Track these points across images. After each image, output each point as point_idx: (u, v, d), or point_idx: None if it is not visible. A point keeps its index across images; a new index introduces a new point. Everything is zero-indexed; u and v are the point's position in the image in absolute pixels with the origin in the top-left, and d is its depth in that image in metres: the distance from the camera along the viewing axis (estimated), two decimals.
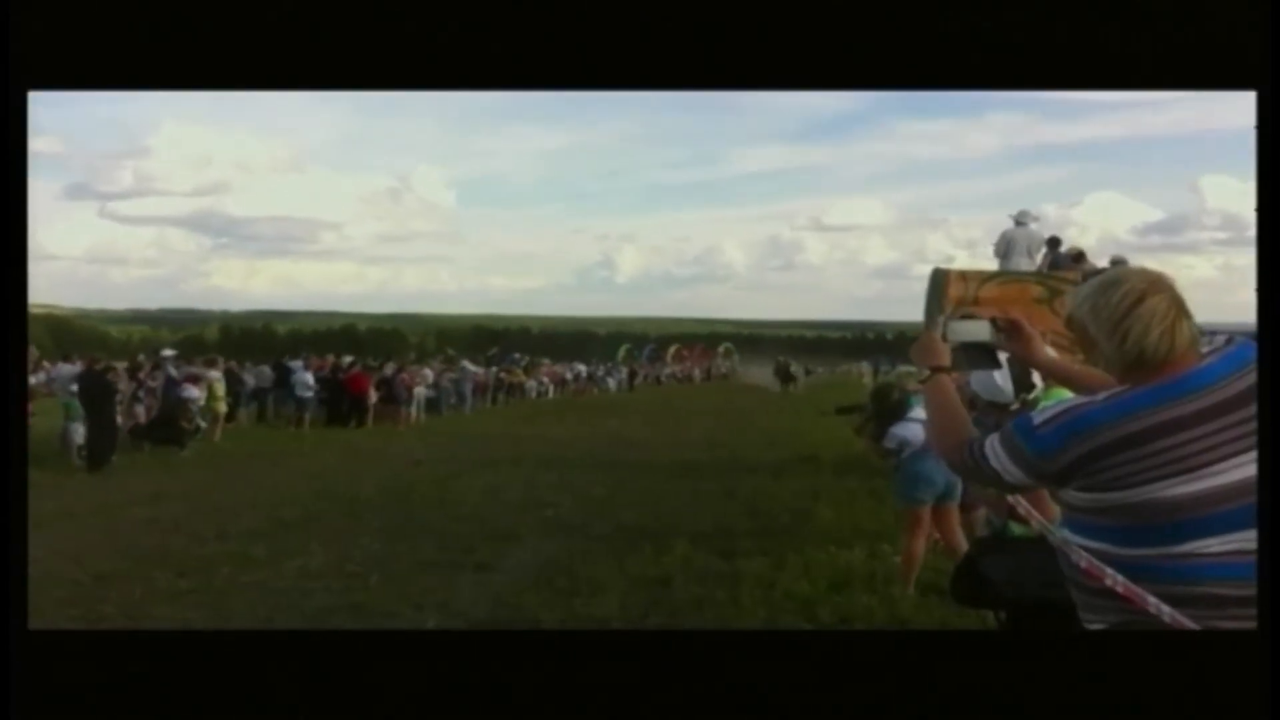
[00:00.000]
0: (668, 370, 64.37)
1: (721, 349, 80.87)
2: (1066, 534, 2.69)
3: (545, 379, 43.95)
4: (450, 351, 40.35)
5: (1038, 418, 2.57)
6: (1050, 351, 3.25)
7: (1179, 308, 2.53)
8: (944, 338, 3.06)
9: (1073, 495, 2.58)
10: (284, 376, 25.91)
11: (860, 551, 9.04)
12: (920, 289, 15.45)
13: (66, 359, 22.75)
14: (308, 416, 25.01)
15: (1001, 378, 4.69)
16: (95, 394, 17.06)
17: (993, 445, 2.64)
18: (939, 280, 14.12)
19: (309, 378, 25.57)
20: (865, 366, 58.66)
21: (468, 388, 33.95)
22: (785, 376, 56.57)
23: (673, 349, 72.55)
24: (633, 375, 56.75)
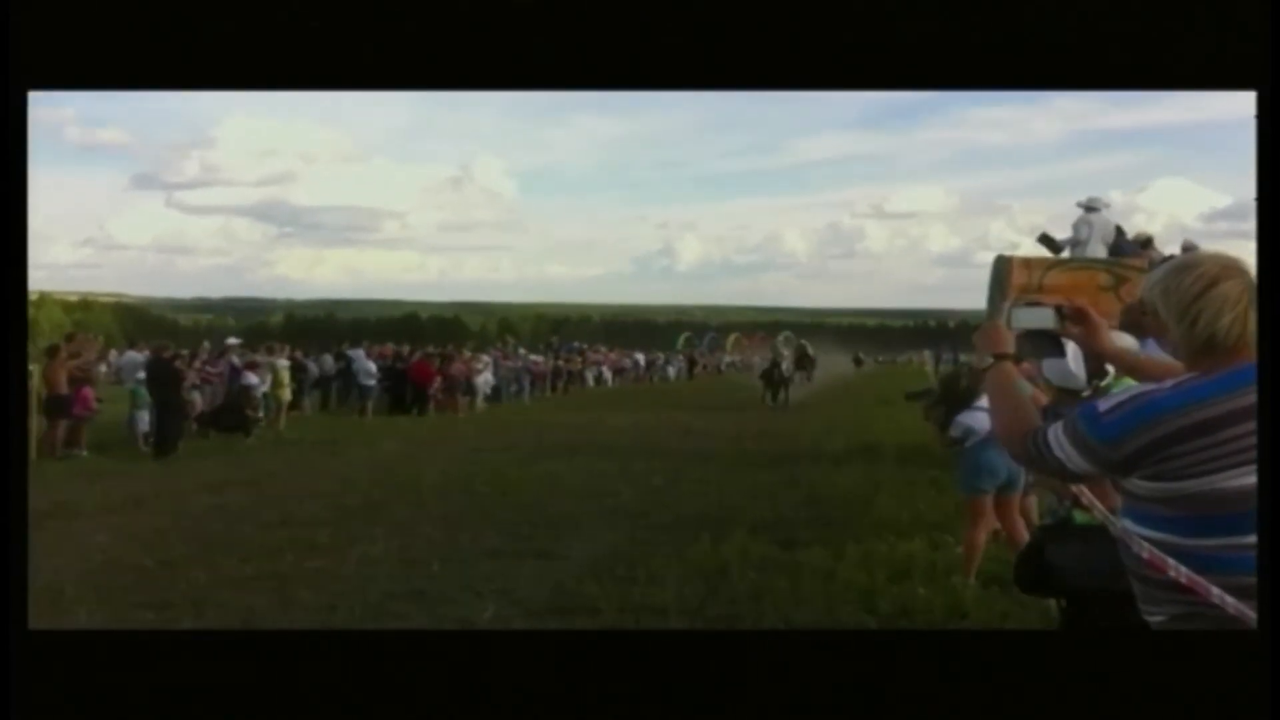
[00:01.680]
0: (728, 359, 64.22)
1: (781, 337, 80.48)
2: (1128, 524, 2.66)
3: (605, 368, 44.04)
4: (510, 340, 40.50)
5: (1103, 404, 2.54)
6: (1127, 339, 3.21)
7: (1252, 294, 2.49)
8: (1008, 325, 3.04)
9: (1137, 484, 2.54)
10: (347, 365, 26.18)
11: (921, 542, 8.98)
12: (983, 276, 15.28)
13: (133, 346, 23.14)
14: (370, 405, 25.25)
15: (1075, 364, 4.63)
16: (162, 382, 17.34)
17: (1056, 434, 2.61)
18: (1002, 267, 13.95)
19: (371, 366, 25.82)
20: (927, 355, 58.21)
21: (526, 377, 34.12)
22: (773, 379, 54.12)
23: (733, 337, 72.36)
24: (692, 364, 56.68)
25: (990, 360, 2.91)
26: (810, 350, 54.94)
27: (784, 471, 14.54)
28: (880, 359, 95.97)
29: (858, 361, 67.76)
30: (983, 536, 7.78)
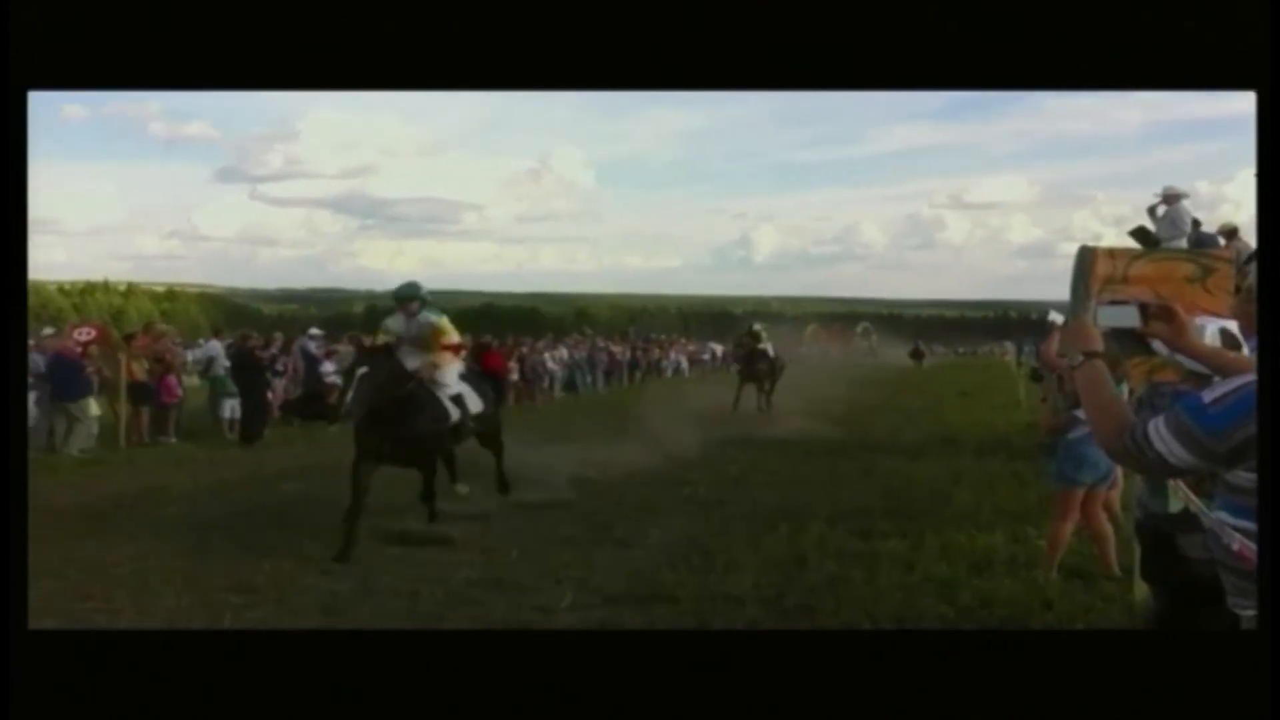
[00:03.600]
0: (804, 349, 63.88)
1: (859, 328, 79.79)
2: (1224, 516, 2.62)
3: (682, 358, 44.01)
4: (588, 330, 40.69)
5: (1208, 396, 2.50)
6: (1225, 327, 3.17)
7: None
8: (1094, 323, 3.01)
9: (1240, 476, 2.50)
10: None
11: (1002, 534, 8.89)
12: (1066, 267, 15.01)
13: (218, 335, 23.55)
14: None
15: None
16: (246, 370, 17.65)
17: (1156, 428, 2.57)
18: (1086, 258, 13.66)
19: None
20: (1009, 346, 57.17)
21: (603, 367, 34.23)
22: (755, 372, 52.34)
23: (810, 328, 71.87)
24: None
25: (1080, 359, 2.88)
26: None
27: (861, 462, 14.45)
28: (960, 350, 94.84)
29: (917, 355, 61.67)
30: (1069, 530, 7.68)
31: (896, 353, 64.44)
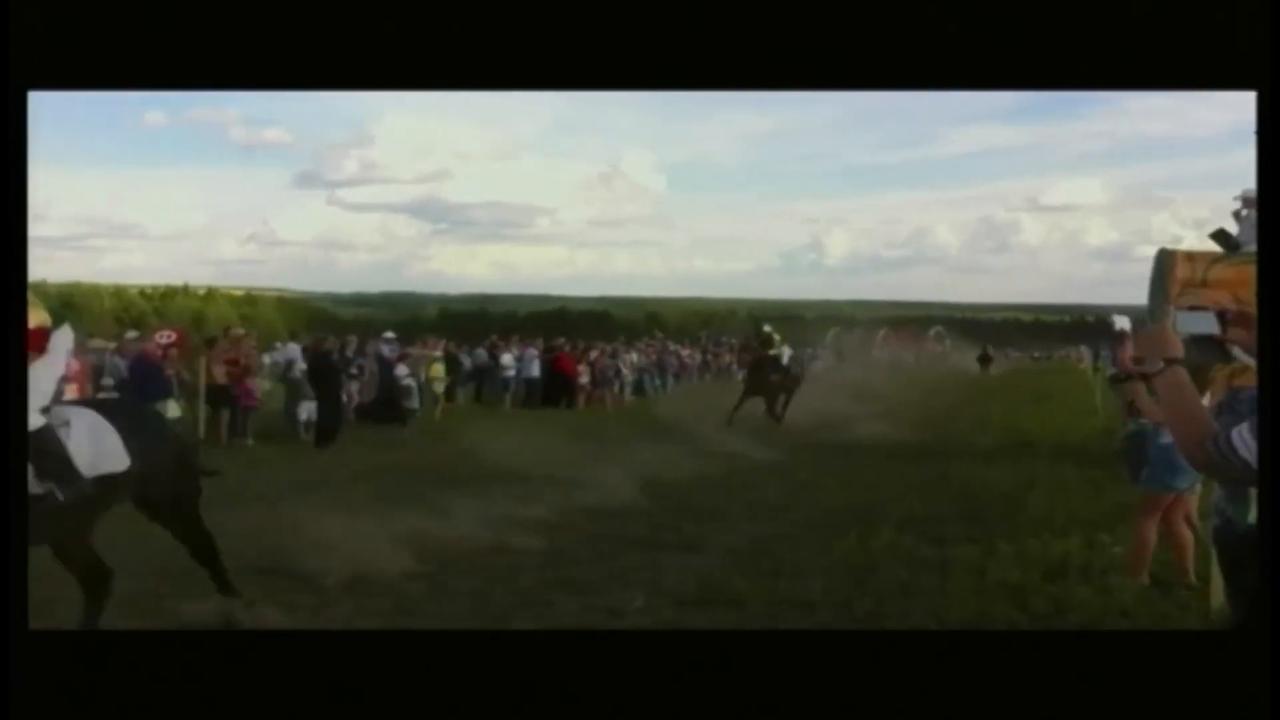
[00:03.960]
0: (877, 353, 63.35)
1: (932, 332, 78.95)
2: None
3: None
4: (659, 334, 40.69)
5: None
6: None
7: None
8: (1173, 328, 2.97)
9: None
10: (497, 359, 26.68)
11: (1076, 540, 8.77)
12: (1144, 271, 14.78)
13: (294, 338, 23.89)
14: (509, 397, 25.66)
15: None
16: (322, 374, 17.90)
17: (1241, 435, 2.54)
18: (1165, 262, 13.46)
19: (512, 360, 26.27)
20: (1085, 351, 56.24)
21: (673, 370, 34.24)
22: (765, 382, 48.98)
23: (882, 332, 71.21)
24: (840, 358, 56.03)
25: (1160, 365, 2.84)
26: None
27: (933, 467, 14.32)
28: (1036, 355, 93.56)
29: (985, 360, 58.56)
30: (1154, 534, 7.57)
31: (969, 357, 63.52)
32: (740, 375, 27.20)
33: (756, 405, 21.61)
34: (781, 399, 21.77)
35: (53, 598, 6.10)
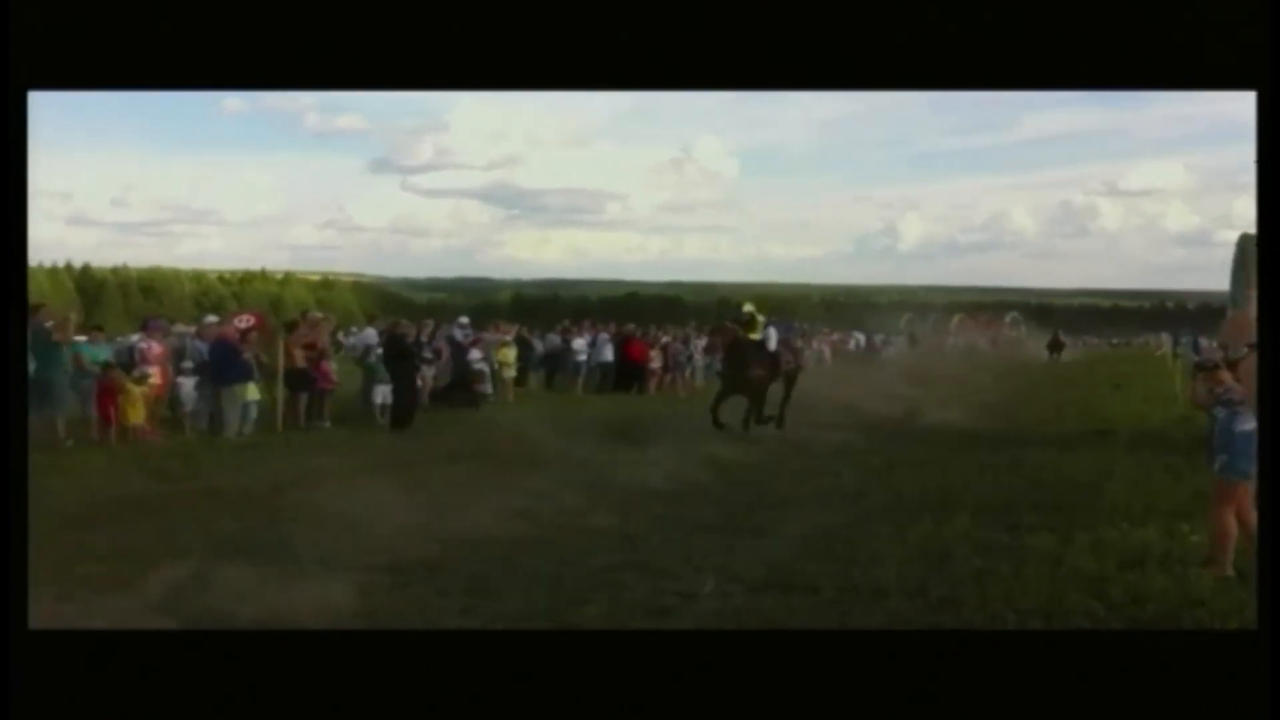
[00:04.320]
0: (951, 339, 62.76)
1: (1008, 318, 77.97)
2: None
3: (823, 347, 43.61)
4: (729, 320, 40.62)
5: None
6: None
7: None
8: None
9: None
10: (569, 344, 26.79)
11: (1155, 530, 8.65)
12: (1225, 256, 14.55)
13: (371, 322, 24.13)
14: (580, 381, 25.75)
15: None
16: (398, 357, 18.09)
17: None
18: (1247, 247, 13.23)
19: (585, 345, 26.35)
20: (1165, 338, 55.05)
21: None
22: (1055, 346, 51.50)
23: (957, 318, 70.44)
24: (914, 344, 55.57)
25: (1245, 351, 2.82)
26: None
27: (1009, 454, 14.16)
28: (1114, 341, 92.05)
29: (1055, 347, 52.87)
30: (1234, 522, 7.45)
31: (1045, 343, 62.52)
32: (714, 367, 22.63)
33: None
34: (773, 395, 17.56)
35: (53, 598, 6.16)
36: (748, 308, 18.76)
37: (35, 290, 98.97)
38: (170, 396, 16.09)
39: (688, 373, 28.33)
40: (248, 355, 16.31)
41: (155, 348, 16.14)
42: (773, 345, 17.98)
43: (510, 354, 22.85)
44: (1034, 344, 64.97)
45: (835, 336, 47.11)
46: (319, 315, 21.97)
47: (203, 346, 16.48)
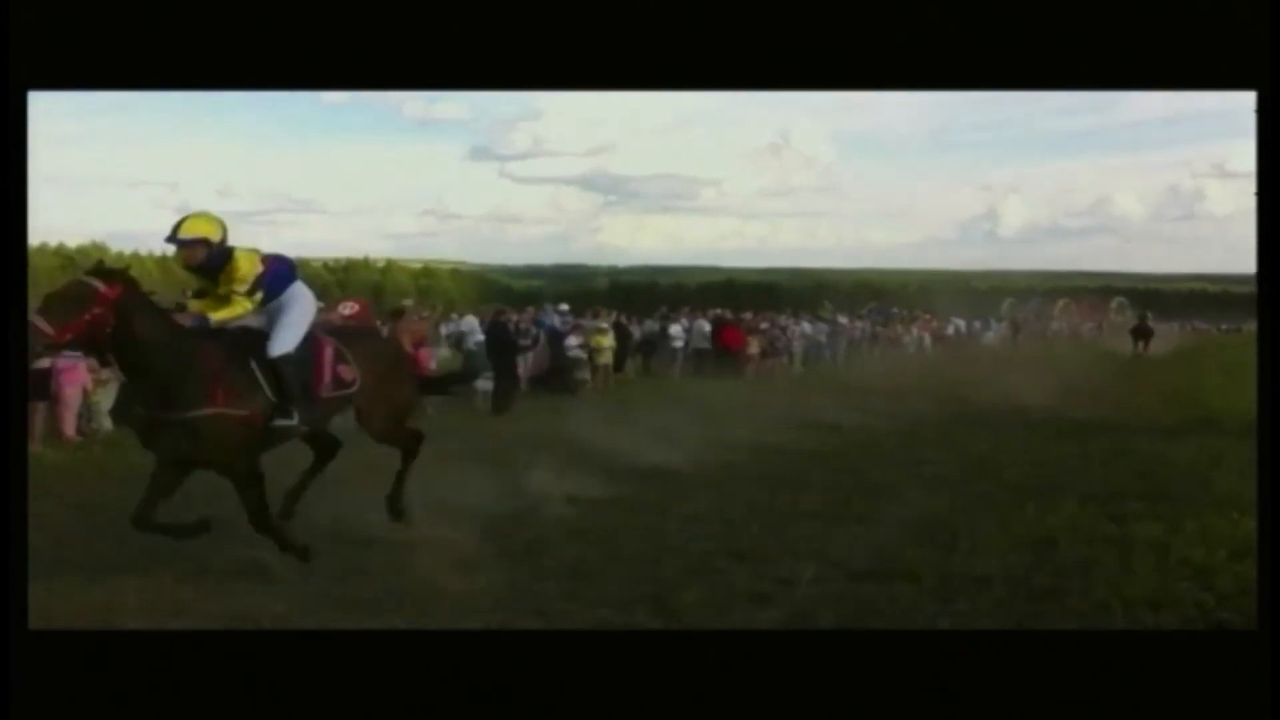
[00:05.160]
0: (1054, 325, 61.71)
1: (1114, 303, 76.38)
2: None
3: (923, 333, 43.17)
4: (828, 305, 40.35)
5: None
6: None
7: None
8: None
9: None
10: (665, 330, 26.86)
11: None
12: None
13: (474, 310, 24.43)
14: (677, 368, 25.81)
15: None
16: (499, 344, 18.30)
17: None
18: None
19: (681, 330, 26.41)
20: None
21: (841, 341, 33.96)
22: (1140, 334, 41.48)
23: (1061, 303, 69.18)
24: (1016, 330, 54.80)
25: None
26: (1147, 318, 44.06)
27: (1115, 442, 13.92)
28: (1223, 327, 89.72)
29: (1141, 334, 42.45)
30: None
31: (1155, 328, 60.92)
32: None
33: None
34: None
35: (53, 598, 6.16)
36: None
37: (147, 278, 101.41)
38: None
39: (785, 358, 28.26)
40: None
41: None
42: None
43: (608, 340, 22.98)
44: (1154, 329, 63.48)
45: (935, 322, 46.52)
46: (426, 311, 22.28)
47: None
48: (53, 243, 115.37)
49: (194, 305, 7.32)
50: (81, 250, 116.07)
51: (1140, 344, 40.92)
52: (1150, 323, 44.36)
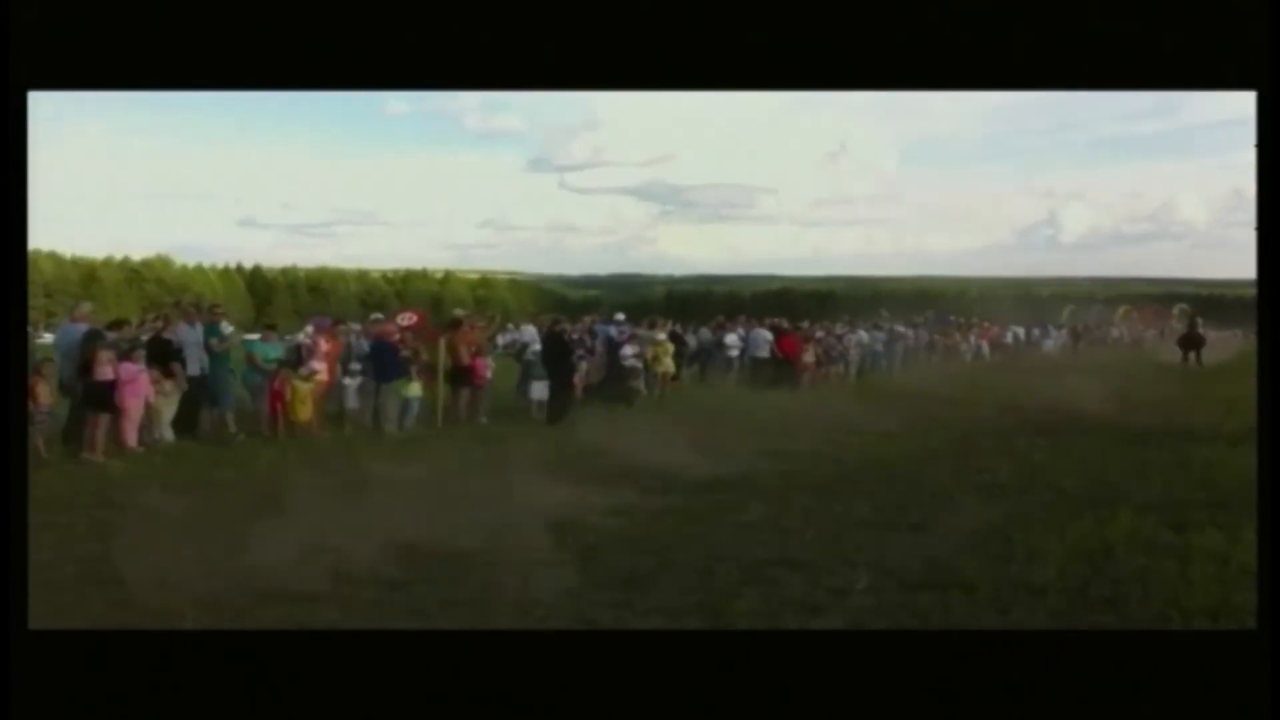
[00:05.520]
0: (1116, 332, 60.96)
1: (1176, 310, 75.28)
2: None
3: (981, 341, 42.79)
4: (885, 314, 40.10)
5: None
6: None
7: None
8: None
9: None
10: (721, 339, 26.82)
11: None
12: None
13: (533, 320, 24.54)
14: (733, 376, 25.78)
15: None
16: (556, 354, 18.38)
17: None
18: None
19: (737, 340, 26.37)
20: None
21: (898, 349, 33.73)
22: (1189, 344, 36.03)
23: (1122, 309, 68.27)
24: (1076, 337, 54.17)
25: None
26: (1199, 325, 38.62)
27: (1175, 450, 13.73)
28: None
29: (1191, 344, 36.64)
30: None
31: (1217, 335, 59.77)
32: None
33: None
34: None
35: (53, 598, 6.19)
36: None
37: (208, 290, 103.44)
38: (335, 394, 16.65)
39: (842, 367, 28.13)
40: (406, 353, 16.78)
41: (323, 345, 16.72)
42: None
43: (665, 349, 23.02)
44: (1207, 337, 62.42)
45: (994, 330, 46.11)
46: (483, 320, 22.45)
47: (365, 344, 17.02)
48: (118, 256, 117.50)
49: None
50: (146, 263, 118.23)
51: (1190, 354, 36.00)
52: (1201, 329, 38.83)
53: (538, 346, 19.59)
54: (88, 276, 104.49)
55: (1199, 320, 40.50)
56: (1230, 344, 52.85)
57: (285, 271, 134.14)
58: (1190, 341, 36.73)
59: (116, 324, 15.65)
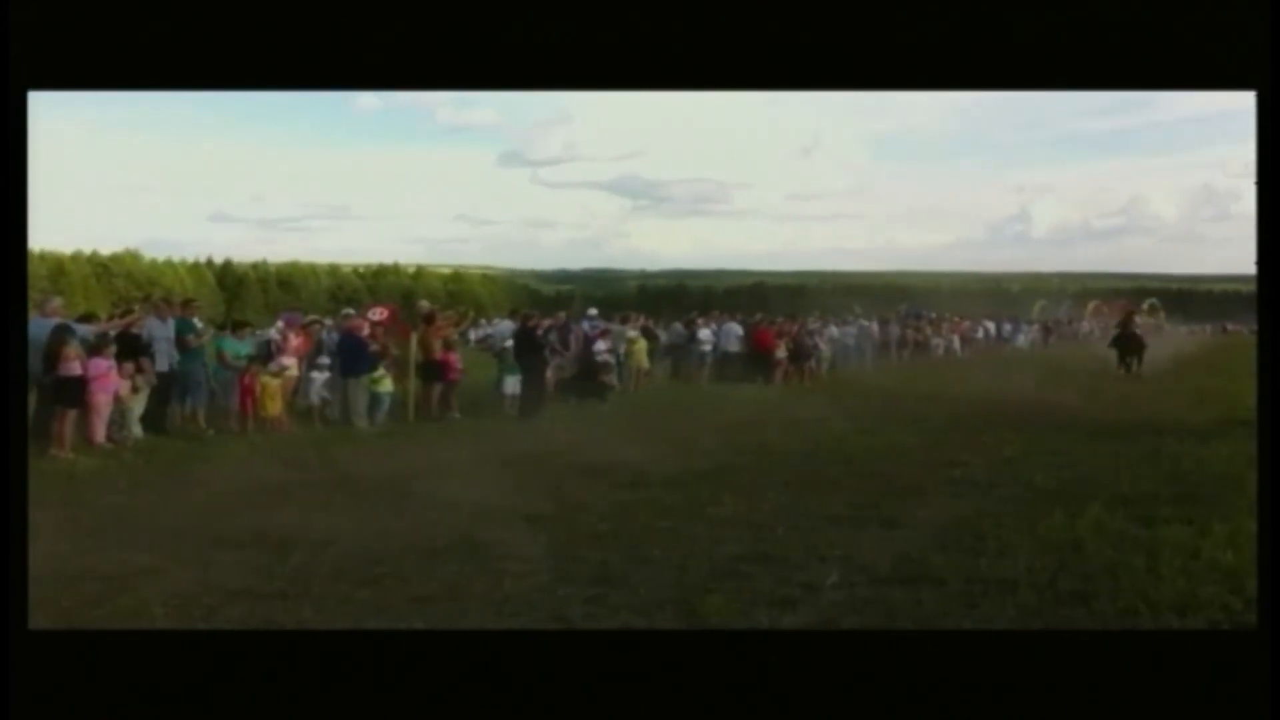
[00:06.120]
0: (1086, 327, 61.38)
1: (1145, 305, 75.85)
2: None
3: (953, 336, 42.98)
4: (856, 309, 40.19)
5: None
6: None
7: None
8: None
9: None
10: (694, 334, 26.83)
11: None
12: None
13: (511, 315, 24.48)
14: (705, 371, 25.79)
15: None
16: (529, 348, 18.33)
17: None
18: None
19: (710, 335, 26.38)
20: None
21: (868, 344, 33.84)
22: (1127, 347, 28.51)
23: (1092, 304, 68.71)
24: (1047, 332, 54.51)
25: None
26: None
27: (1144, 444, 13.82)
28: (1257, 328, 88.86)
29: (1129, 348, 28.79)
30: None
31: (1188, 330, 60.21)
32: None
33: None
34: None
35: (53, 598, 6.17)
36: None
37: (178, 285, 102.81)
38: (300, 388, 16.55)
39: (813, 362, 28.18)
40: (374, 347, 16.69)
41: (292, 340, 16.62)
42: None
43: (636, 344, 23.00)
44: (1175, 330, 62.90)
45: (965, 325, 46.31)
46: (454, 314, 22.37)
47: (334, 338, 16.93)
48: (87, 250, 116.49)
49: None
50: (115, 258, 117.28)
51: (1130, 361, 28.45)
52: (1146, 324, 33.27)
53: (510, 341, 19.55)
54: (56, 271, 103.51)
55: (1136, 320, 32.46)
56: (1199, 339, 53.25)
57: (256, 266, 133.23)
58: (1128, 344, 29.09)
59: (86, 318, 15.51)
